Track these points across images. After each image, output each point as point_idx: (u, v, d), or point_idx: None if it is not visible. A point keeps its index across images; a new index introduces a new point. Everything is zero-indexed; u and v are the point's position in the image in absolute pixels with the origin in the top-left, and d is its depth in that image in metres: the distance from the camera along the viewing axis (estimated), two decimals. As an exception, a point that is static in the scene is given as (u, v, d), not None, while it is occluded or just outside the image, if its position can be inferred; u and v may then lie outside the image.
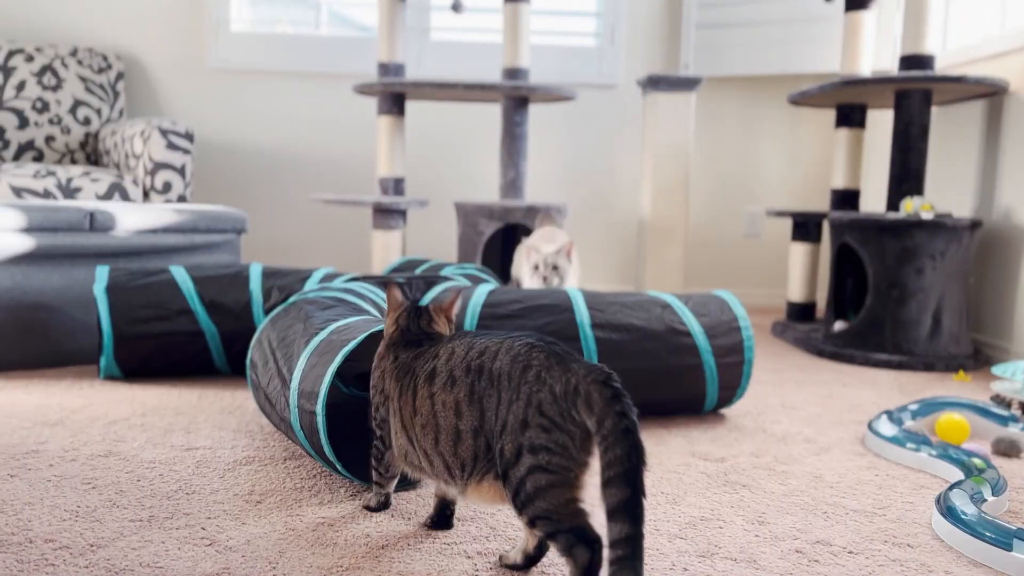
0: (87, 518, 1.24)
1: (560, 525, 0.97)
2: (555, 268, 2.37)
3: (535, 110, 3.91)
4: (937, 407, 1.85)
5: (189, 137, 3.08)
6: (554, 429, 0.98)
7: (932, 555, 1.22)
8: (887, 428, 1.74)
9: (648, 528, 1.14)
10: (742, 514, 1.35)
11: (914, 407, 1.85)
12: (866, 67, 3.04)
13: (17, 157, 3.39)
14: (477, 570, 1.12)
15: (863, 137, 3.22)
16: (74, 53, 3.52)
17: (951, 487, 1.37)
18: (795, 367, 2.55)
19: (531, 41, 3.54)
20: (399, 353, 1.20)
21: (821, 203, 4.03)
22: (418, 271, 2.49)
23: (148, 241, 2.39)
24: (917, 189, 2.77)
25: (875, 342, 2.63)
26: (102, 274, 2.10)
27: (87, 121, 3.48)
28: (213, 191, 3.87)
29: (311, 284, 2.17)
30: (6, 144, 3.37)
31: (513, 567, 1.12)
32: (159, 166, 3.03)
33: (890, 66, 3.57)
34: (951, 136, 3.06)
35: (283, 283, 2.18)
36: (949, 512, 1.28)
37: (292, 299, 1.77)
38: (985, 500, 1.34)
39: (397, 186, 3.21)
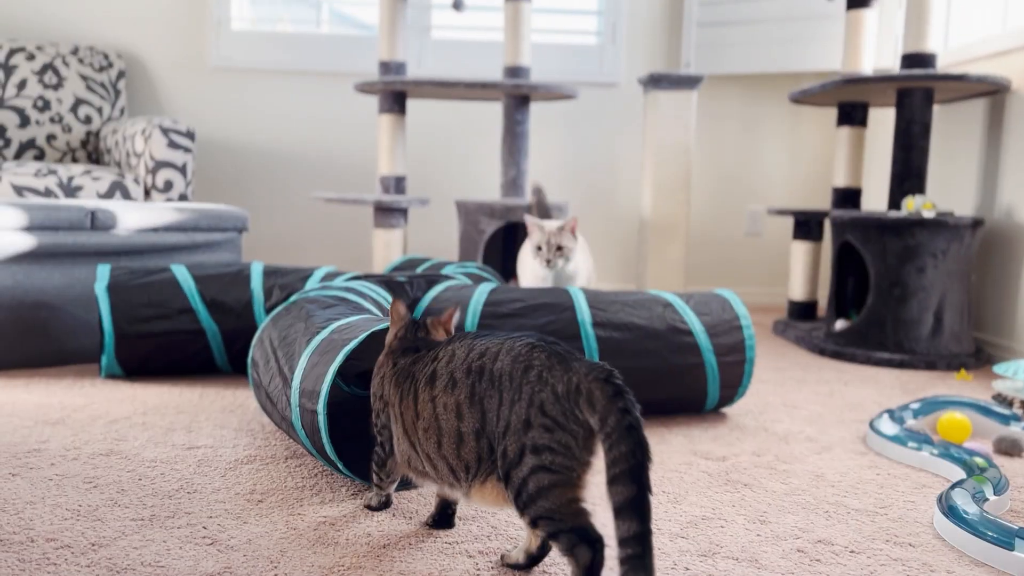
0: (88, 517, 1.24)
1: (562, 525, 0.97)
2: (559, 249, 2.16)
3: (536, 108, 3.91)
4: (939, 406, 1.85)
5: (190, 136, 3.08)
6: (557, 429, 0.97)
7: (934, 554, 1.21)
8: (889, 427, 1.74)
9: (650, 527, 1.14)
10: (743, 513, 1.35)
11: (916, 406, 1.85)
12: (868, 65, 3.04)
13: (18, 156, 3.39)
14: (479, 569, 1.12)
15: (864, 135, 3.22)
16: (75, 52, 3.52)
17: (953, 486, 1.37)
18: (796, 366, 2.55)
19: (532, 39, 3.53)
20: (398, 360, 1.21)
21: (822, 202, 4.02)
22: (419, 270, 2.49)
23: (149, 240, 2.39)
24: (919, 187, 2.77)
25: (877, 341, 2.63)
26: (103, 273, 2.10)
27: (88, 120, 3.48)
28: (214, 190, 3.87)
29: (312, 283, 2.17)
30: (7, 143, 3.37)
31: (515, 566, 1.12)
32: (160, 165, 3.03)
33: (892, 64, 3.56)
34: (953, 134, 3.06)
35: (284, 282, 2.18)
36: (951, 511, 1.28)
37: (293, 298, 1.77)
38: (987, 499, 1.34)
39: (398, 185, 3.21)
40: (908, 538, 1.27)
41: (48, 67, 3.45)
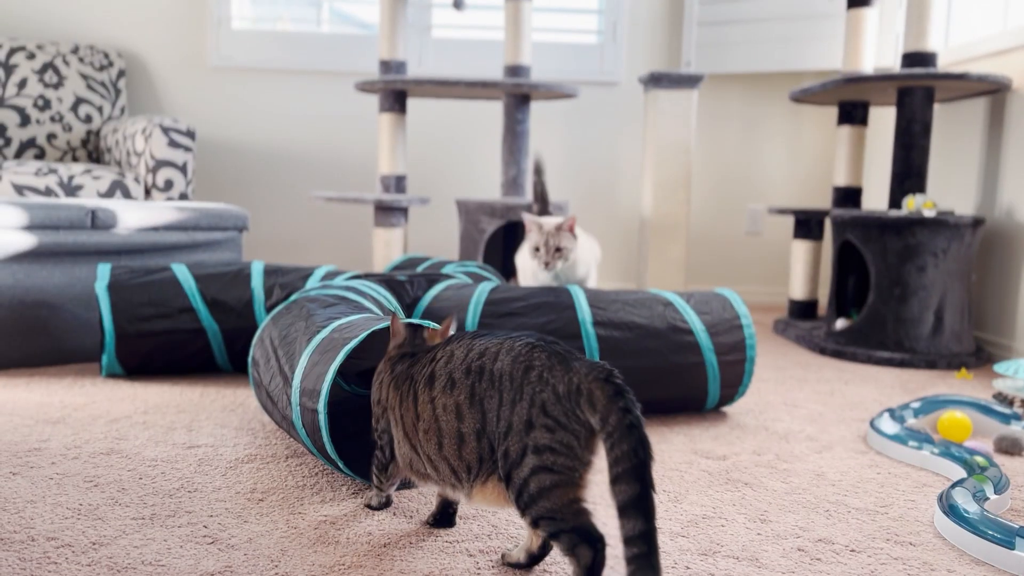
0: (89, 516, 1.24)
1: (563, 525, 0.97)
2: (558, 250, 2.04)
3: (536, 107, 3.91)
4: (939, 405, 1.85)
5: (191, 135, 3.08)
6: (559, 429, 0.97)
7: (934, 553, 1.21)
8: (889, 426, 1.74)
9: (650, 526, 1.13)
10: (744, 512, 1.35)
11: (916, 405, 1.85)
12: (868, 64, 3.04)
13: (19, 155, 3.39)
14: (479, 568, 1.12)
15: (865, 134, 3.22)
16: (75, 51, 3.52)
17: (953, 485, 1.37)
18: (797, 365, 2.55)
19: (533, 38, 3.53)
20: (396, 365, 1.21)
21: (823, 201, 4.02)
22: (419, 269, 2.49)
23: (150, 239, 2.39)
24: (919, 186, 2.77)
25: (877, 340, 2.63)
26: (104, 272, 2.10)
27: (89, 119, 3.48)
28: (215, 189, 3.87)
29: (313, 282, 2.17)
30: (8, 142, 3.37)
31: (516, 565, 1.12)
32: (161, 164, 3.03)
33: (892, 63, 3.56)
34: (953, 133, 3.06)
35: (285, 281, 2.18)
36: (951, 510, 1.28)
37: (294, 297, 1.77)
38: (987, 498, 1.34)
39: (398, 184, 3.21)
40: (909, 537, 1.27)
41: (48, 66, 3.45)
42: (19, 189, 2.87)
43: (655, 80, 3.31)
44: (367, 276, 2.01)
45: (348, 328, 1.41)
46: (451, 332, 1.27)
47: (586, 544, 0.96)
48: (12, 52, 3.42)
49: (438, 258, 2.56)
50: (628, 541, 0.88)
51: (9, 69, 3.40)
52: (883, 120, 3.63)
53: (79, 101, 3.47)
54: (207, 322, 2.11)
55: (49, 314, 2.23)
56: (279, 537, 1.19)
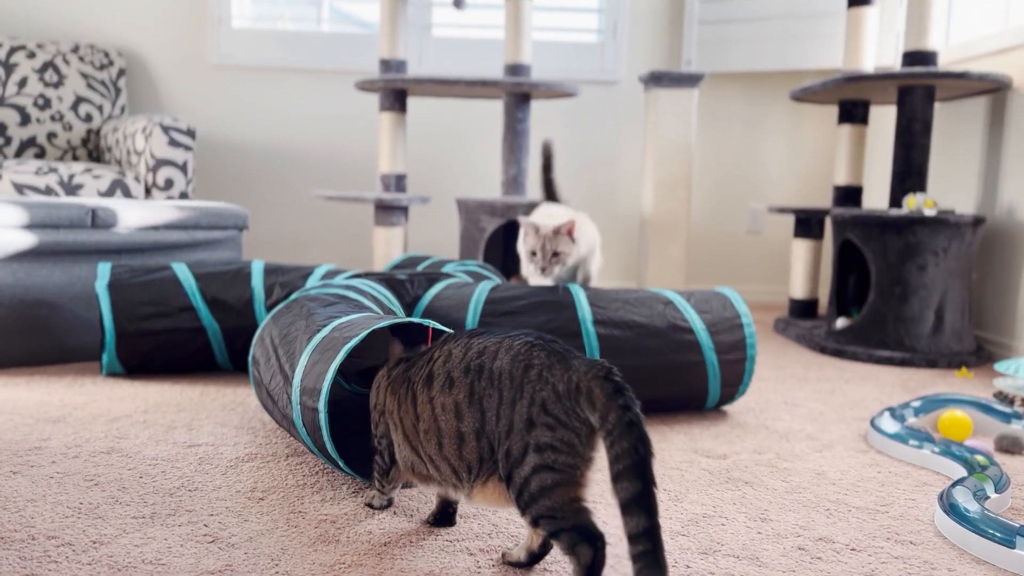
0: (89, 515, 1.24)
1: (563, 523, 0.97)
2: (555, 255, 1.95)
3: (537, 106, 3.90)
4: (940, 404, 1.85)
5: (191, 134, 3.08)
6: (559, 427, 0.97)
7: (935, 552, 1.21)
8: (890, 425, 1.74)
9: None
10: (744, 511, 1.35)
11: (917, 404, 1.85)
12: (869, 63, 3.04)
13: (19, 154, 3.38)
14: (479, 567, 1.12)
15: (866, 133, 3.21)
16: (76, 50, 3.52)
17: (954, 484, 1.37)
18: (797, 364, 2.55)
19: (533, 37, 3.53)
20: (392, 370, 1.22)
21: (823, 200, 4.02)
22: (420, 268, 2.49)
23: (150, 238, 2.39)
24: (920, 185, 2.77)
25: (878, 339, 2.63)
26: (104, 271, 2.10)
27: (89, 118, 3.48)
28: (215, 188, 3.87)
29: (313, 281, 2.17)
30: (8, 141, 3.37)
31: (517, 564, 1.12)
32: (161, 163, 3.03)
33: (893, 62, 3.56)
34: (954, 132, 3.06)
35: (285, 280, 2.18)
36: (952, 509, 1.28)
37: (294, 296, 1.77)
38: (988, 497, 1.34)
39: (399, 182, 3.21)
40: (909, 536, 1.27)
41: (49, 65, 3.45)
42: (19, 188, 2.87)
43: (655, 79, 3.31)
44: (367, 275, 2.01)
45: (348, 327, 1.41)
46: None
47: (586, 543, 0.96)
48: (12, 51, 3.42)
49: (438, 257, 2.56)
50: (632, 538, 0.89)
51: (9, 68, 3.40)
52: (884, 119, 3.63)
53: (79, 100, 3.47)
54: (207, 321, 2.11)
55: (49, 313, 2.23)
56: (279, 536, 1.19)
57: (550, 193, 2.61)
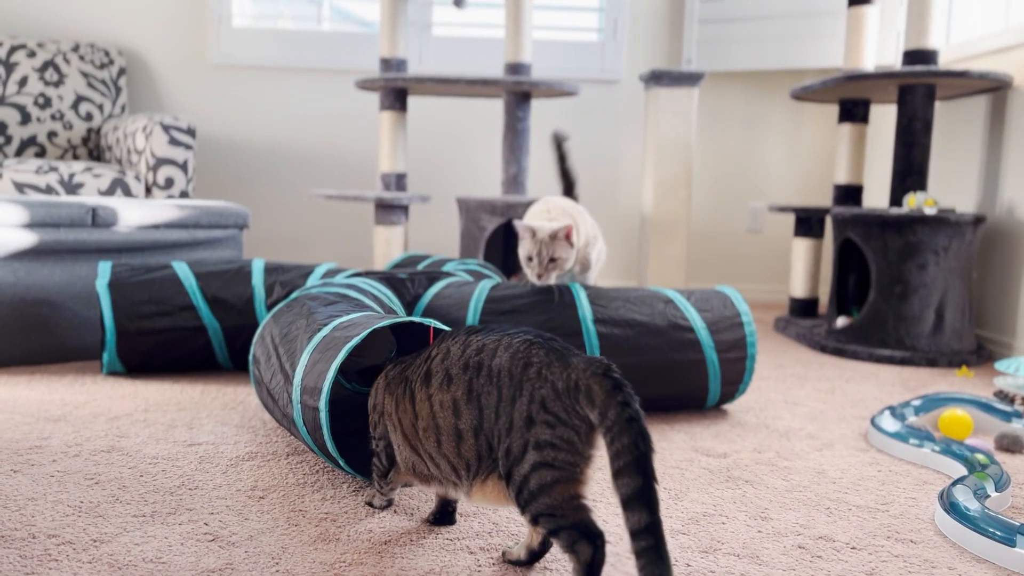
0: (90, 514, 1.24)
1: (563, 521, 0.97)
2: (552, 261, 1.87)
3: (537, 105, 3.90)
4: (940, 403, 1.85)
5: (191, 133, 3.08)
6: (559, 425, 0.97)
7: (935, 551, 1.21)
8: (890, 424, 1.74)
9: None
10: (745, 510, 1.35)
11: (917, 403, 1.85)
12: (869, 62, 3.04)
13: (19, 153, 3.39)
14: (480, 566, 1.12)
15: (866, 132, 3.21)
16: (76, 49, 3.52)
17: (954, 483, 1.37)
18: (798, 363, 2.55)
19: (533, 36, 3.53)
20: (389, 371, 1.22)
21: (824, 198, 4.02)
22: (420, 267, 2.49)
23: (150, 237, 2.39)
24: (920, 184, 2.77)
25: (878, 338, 2.63)
26: (104, 270, 2.10)
27: (89, 117, 3.48)
28: (215, 187, 3.87)
29: (313, 280, 2.17)
30: (8, 140, 3.37)
31: (517, 563, 1.12)
32: (161, 162, 3.03)
33: (893, 61, 3.56)
34: (954, 131, 3.06)
35: (285, 279, 2.18)
36: (952, 508, 1.28)
37: (294, 295, 1.77)
38: (988, 496, 1.34)
39: (399, 182, 3.21)
40: (909, 534, 1.27)
41: (49, 64, 3.45)
42: (20, 187, 2.87)
43: (656, 78, 3.31)
44: (368, 274, 2.01)
45: (349, 326, 1.41)
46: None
47: (586, 540, 0.96)
48: (13, 50, 3.42)
49: (439, 256, 2.56)
50: (635, 534, 0.88)
51: (10, 67, 3.40)
52: (884, 118, 3.63)
53: (80, 99, 3.47)
54: (208, 320, 2.11)
55: (50, 312, 2.23)
56: (280, 534, 1.19)
57: (568, 185, 2.51)
